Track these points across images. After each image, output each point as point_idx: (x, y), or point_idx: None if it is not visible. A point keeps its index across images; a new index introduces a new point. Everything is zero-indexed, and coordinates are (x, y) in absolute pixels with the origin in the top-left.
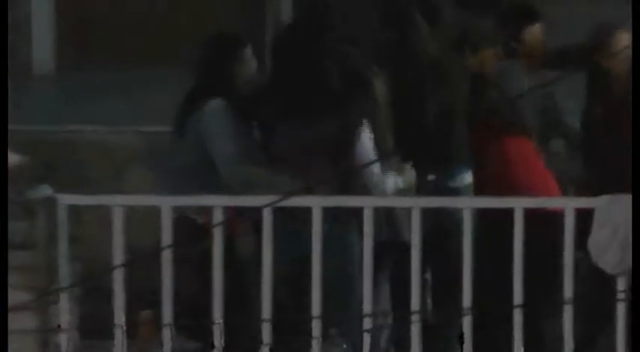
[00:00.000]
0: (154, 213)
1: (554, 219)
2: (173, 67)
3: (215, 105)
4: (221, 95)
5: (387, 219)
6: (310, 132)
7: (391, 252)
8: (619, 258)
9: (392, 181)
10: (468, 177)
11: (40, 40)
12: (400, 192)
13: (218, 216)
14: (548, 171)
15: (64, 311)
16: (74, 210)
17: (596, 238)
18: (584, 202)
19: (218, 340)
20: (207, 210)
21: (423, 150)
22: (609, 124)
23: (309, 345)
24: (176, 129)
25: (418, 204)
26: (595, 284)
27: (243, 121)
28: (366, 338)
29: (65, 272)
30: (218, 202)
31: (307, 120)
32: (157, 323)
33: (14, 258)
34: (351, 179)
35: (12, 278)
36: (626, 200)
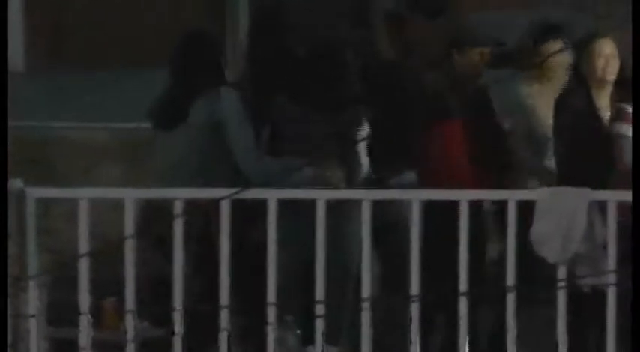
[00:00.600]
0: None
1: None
2: (145, 66)
3: (229, 93)
4: (223, 84)
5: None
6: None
7: None
8: (560, 248)
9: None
10: (412, 176)
11: (12, 39)
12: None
13: (178, 208)
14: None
15: (33, 298)
16: (43, 203)
17: (538, 229)
18: (526, 194)
19: (178, 326)
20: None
21: (375, 147)
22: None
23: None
24: (173, 120)
25: (368, 196)
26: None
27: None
28: (320, 324)
29: (34, 262)
30: (179, 195)
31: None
32: (120, 311)
33: None
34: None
35: None
36: (567, 192)
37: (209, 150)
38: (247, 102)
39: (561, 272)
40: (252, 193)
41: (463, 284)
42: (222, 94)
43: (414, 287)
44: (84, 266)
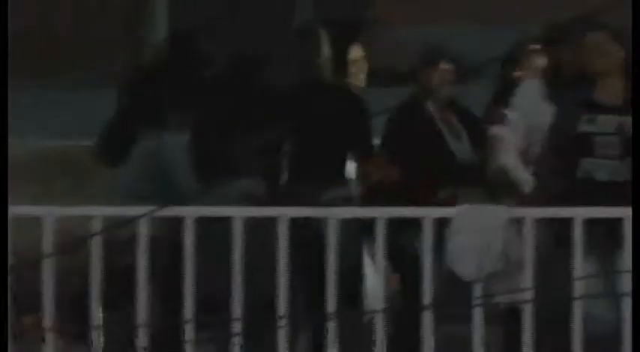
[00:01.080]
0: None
1: None
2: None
3: (174, 140)
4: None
5: None
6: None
7: None
8: (474, 266)
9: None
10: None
11: None
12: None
13: (97, 226)
14: None
15: None
16: None
17: (453, 246)
18: (441, 212)
19: (96, 341)
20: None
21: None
22: None
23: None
24: (116, 156)
25: (286, 213)
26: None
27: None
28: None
29: None
30: (97, 212)
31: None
32: (42, 327)
33: None
34: None
35: None
36: (483, 209)
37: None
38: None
39: (477, 290)
40: (170, 211)
41: (378, 303)
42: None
43: (331, 306)
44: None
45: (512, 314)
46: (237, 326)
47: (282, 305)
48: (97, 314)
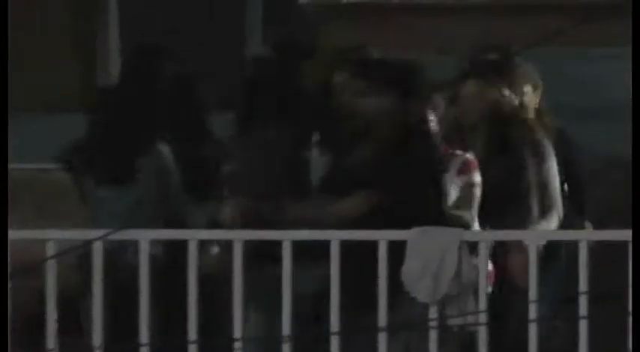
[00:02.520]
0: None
1: None
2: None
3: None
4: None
5: None
6: None
7: None
8: (431, 288)
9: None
10: None
11: None
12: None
13: (51, 250)
14: None
15: None
16: None
17: (408, 269)
18: (396, 234)
19: None
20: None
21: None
22: None
23: None
24: (124, 176)
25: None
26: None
27: None
28: None
29: None
30: (52, 236)
31: None
32: None
33: None
34: None
35: None
36: (437, 231)
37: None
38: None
39: (432, 312)
40: (124, 234)
41: (334, 324)
42: (161, 151)
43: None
44: None
45: (467, 337)
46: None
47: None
48: (52, 340)
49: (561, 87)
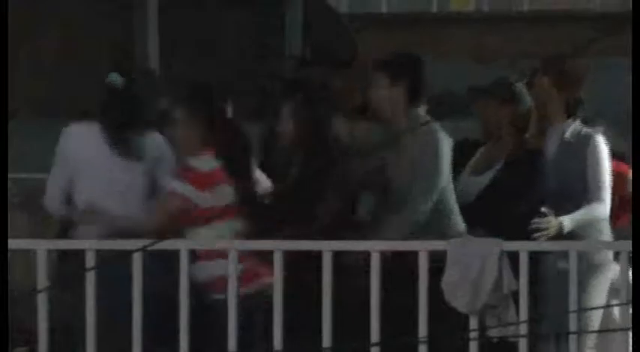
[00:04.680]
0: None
1: None
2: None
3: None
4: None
5: None
6: None
7: None
8: (469, 297)
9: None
10: None
11: None
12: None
13: (90, 261)
14: None
15: None
16: None
17: (448, 278)
18: (436, 244)
19: None
20: None
21: None
22: None
23: None
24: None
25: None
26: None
27: None
28: None
29: None
30: (90, 246)
31: None
32: None
33: None
34: None
35: None
36: (477, 242)
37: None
38: None
39: (473, 323)
40: (165, 244)
41: (375, 335)
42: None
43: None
44: None
45: (506, 348)
46: None
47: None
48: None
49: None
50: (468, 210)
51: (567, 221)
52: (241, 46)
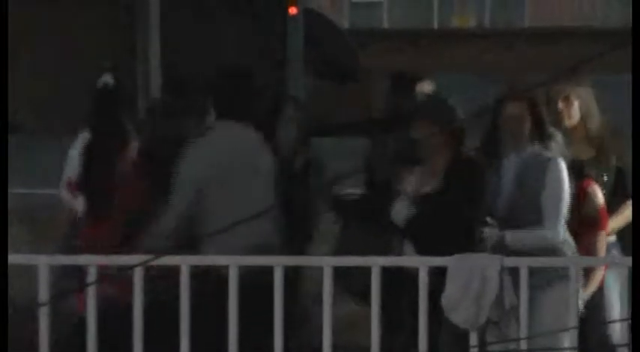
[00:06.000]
0: None
1: None
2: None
3: None
4: None
5: None
6: None
7: None
8: (470, 313)
9: None
10: None
11: None
12: None
13: (92, 276)
14: None
15: None
16: None
17: (448, 294)
18: (438, 261)
19: None
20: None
21: None
22: None
23: None
24: None
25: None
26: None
27: None
28: None
29: None
30: (90, 261)
31: None
32: None
33: None
34: None
35: None
36: (478, 258)
37: None
38: None
39: (473, 339)
40: (165, 260)
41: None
42: None
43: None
44: None
45: None
46: None
47: None
48: None
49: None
50: (409, 225)
51: (509, 235)
52: (243, 61)
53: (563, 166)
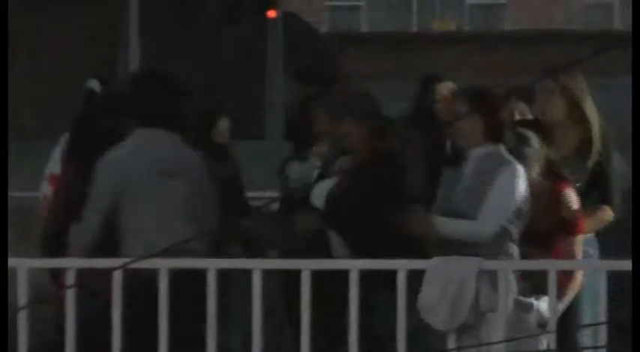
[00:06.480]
0: None
1: None
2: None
3: None
4: None
5: None
6: None
7: None
8: (447, 315)
9: None
10: None
11: None
12: None
13: (71, 278)
14: None
15: None
16: None
17: (425, 296)
18: (417, 264)
19: None
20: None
21: None
22: None
23: None
24: None
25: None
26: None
27: None
28: None
29: None
30: (72, 264)
31: None
32: None
33: None
34: None
35: None
36: (456, 260)
37: None
38: None
39: (450, 341)
40: (144, 263)
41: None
42: None
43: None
44: None
45: None
46: None
47: None
48: None
49: None
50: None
51: (439, 221)
52: (223, 65)
53: (518, 173)
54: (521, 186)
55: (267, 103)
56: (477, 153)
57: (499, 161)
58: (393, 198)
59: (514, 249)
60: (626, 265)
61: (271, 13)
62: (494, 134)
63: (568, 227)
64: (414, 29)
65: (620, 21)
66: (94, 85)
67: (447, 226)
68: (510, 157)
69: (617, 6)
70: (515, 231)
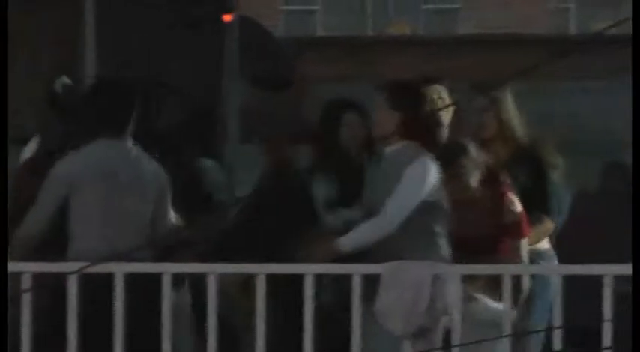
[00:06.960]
0: None
1: None
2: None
3: None
4: None
5: None
6: None
7: None
8: (405, 321)
9: None
10: None
11: None
12: None
13: (27, 282)
14: None
15: None
16: None
17: (382, 301)
18: (372, 268)
19: None
20: None
21: None
22: None
23: None
24: None
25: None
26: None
27: None
28: None
29: None
30: (27, 268)
31: None
32: None
33: None
34: None
35: None
36: (411, 265)
37: None
38: None
39: (407, 347)
40: (100, 268)
41: None
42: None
43: None
44: None
45: None
46: None
47: None
48: None
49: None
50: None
51: (341, 241)
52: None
53: (427, 167)
54: (431, 179)
55: (223, 107)
56: (391, 150)
57: (410, 155)
58: (298, 211)
59: (442, 243)
60: (579, 269)
61: (227, 17)
62: (410, 130)
63: (512, 231)
64: (370, 33)
65: (577, 26)
66: (58, 86)
67: (351, 242)
68: (423, 152)
69: (573, 11)
70: (437, 227)
